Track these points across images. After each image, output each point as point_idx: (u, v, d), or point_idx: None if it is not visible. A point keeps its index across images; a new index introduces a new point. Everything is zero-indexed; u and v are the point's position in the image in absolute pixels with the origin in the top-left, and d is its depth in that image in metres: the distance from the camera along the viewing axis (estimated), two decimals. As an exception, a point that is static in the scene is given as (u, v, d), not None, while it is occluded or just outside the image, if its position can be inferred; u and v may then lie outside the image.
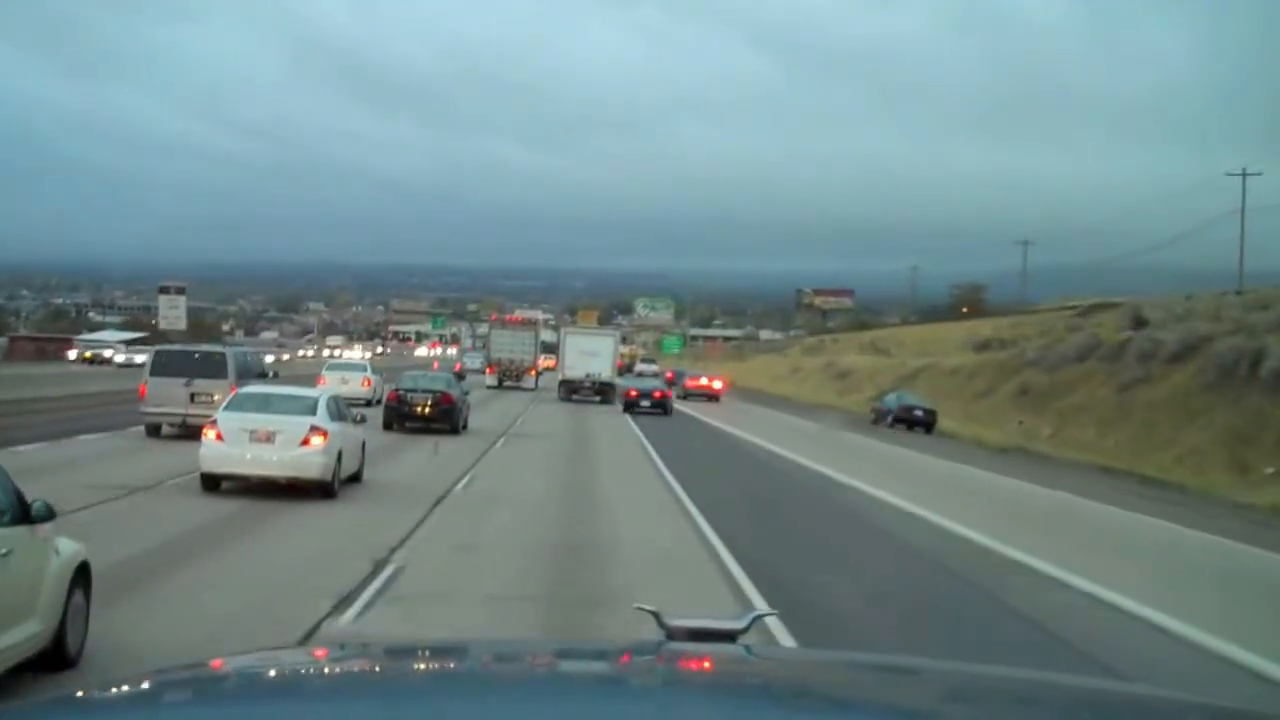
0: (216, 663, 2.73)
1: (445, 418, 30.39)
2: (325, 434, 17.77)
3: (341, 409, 19.65)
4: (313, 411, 18.22)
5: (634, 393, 49.28)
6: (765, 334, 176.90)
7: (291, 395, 19.24)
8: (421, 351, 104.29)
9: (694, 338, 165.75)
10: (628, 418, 42.17)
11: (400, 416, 30.64)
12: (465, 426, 32.00)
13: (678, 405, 50.84)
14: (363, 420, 20.67)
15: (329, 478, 17.82)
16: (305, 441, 17.61)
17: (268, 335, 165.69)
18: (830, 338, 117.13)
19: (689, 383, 69.01)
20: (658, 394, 49.10)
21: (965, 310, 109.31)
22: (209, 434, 17.74)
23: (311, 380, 45.81)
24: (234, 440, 17.57)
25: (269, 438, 17.63)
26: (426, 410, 30.30)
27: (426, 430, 30.03)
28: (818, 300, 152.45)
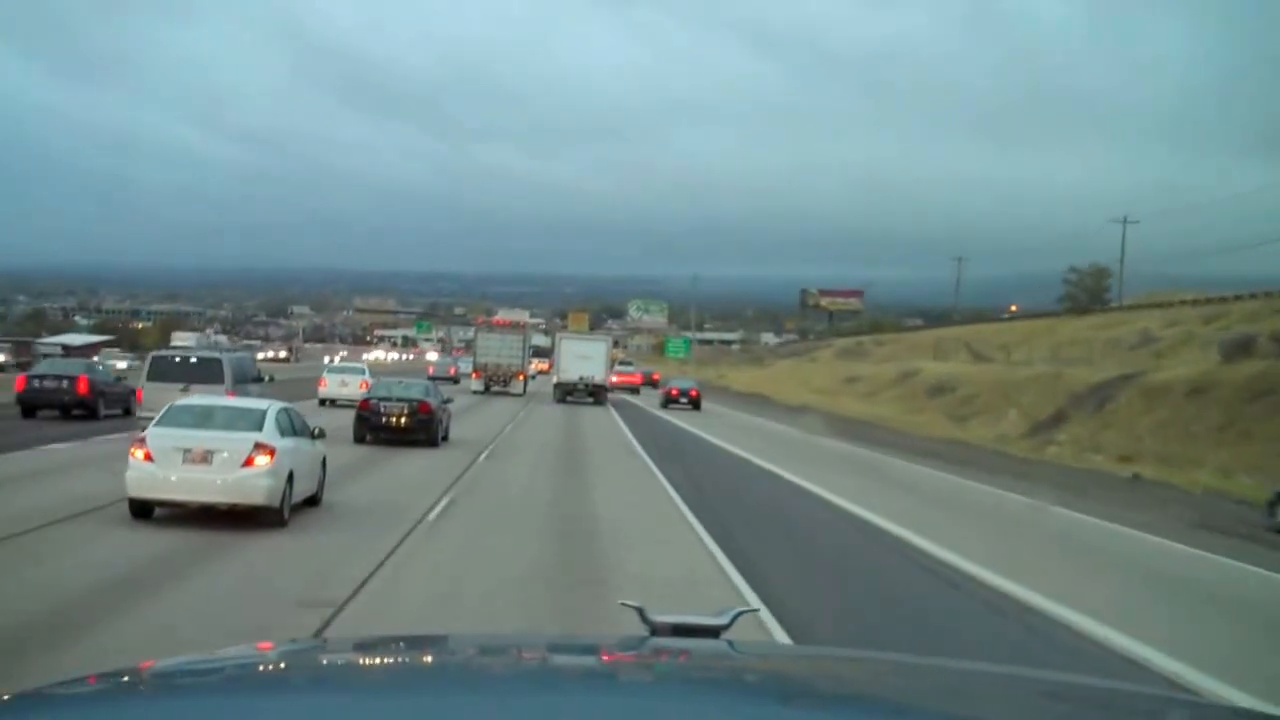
0: (172, 660, 2.59)
1: (422, 429, 27.72)
2: (272, 452, 15.30)
3: (296, 422, 17.16)
4: (258, 426, 15.73)
5: (675, 391, 60.29)
6: (767, 338, 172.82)
7: (235, 408, 16.72)
8: (370, 356, 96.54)
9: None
10: (632, 438, 35.47)
11: (372, 428, 27.88)
12: (446, 438, 29.44)
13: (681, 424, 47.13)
14: (321, 435, 18.14)
15: (277, 503, 15.34)
16: (249, 461, 15.14)
17: (218, 339, 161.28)
18: (872, 340, 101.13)
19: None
20: (694, 393, 59.90)
21: (1013, 309, 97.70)
22: (136, 453, 15.21)
23: (313, 383, 44.65)
24: (165, 461, 15.06)
25: (205, 457, 15.13)
26: (402, 421, 27.60)
27: (402, 443, 27.48)
28: (824, 301, 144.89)
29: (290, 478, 15.76)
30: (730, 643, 2.80)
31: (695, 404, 58.65)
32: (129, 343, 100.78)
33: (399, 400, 28.01)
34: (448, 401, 30.62)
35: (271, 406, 16.54)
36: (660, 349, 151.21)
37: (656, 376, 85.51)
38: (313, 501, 17.45)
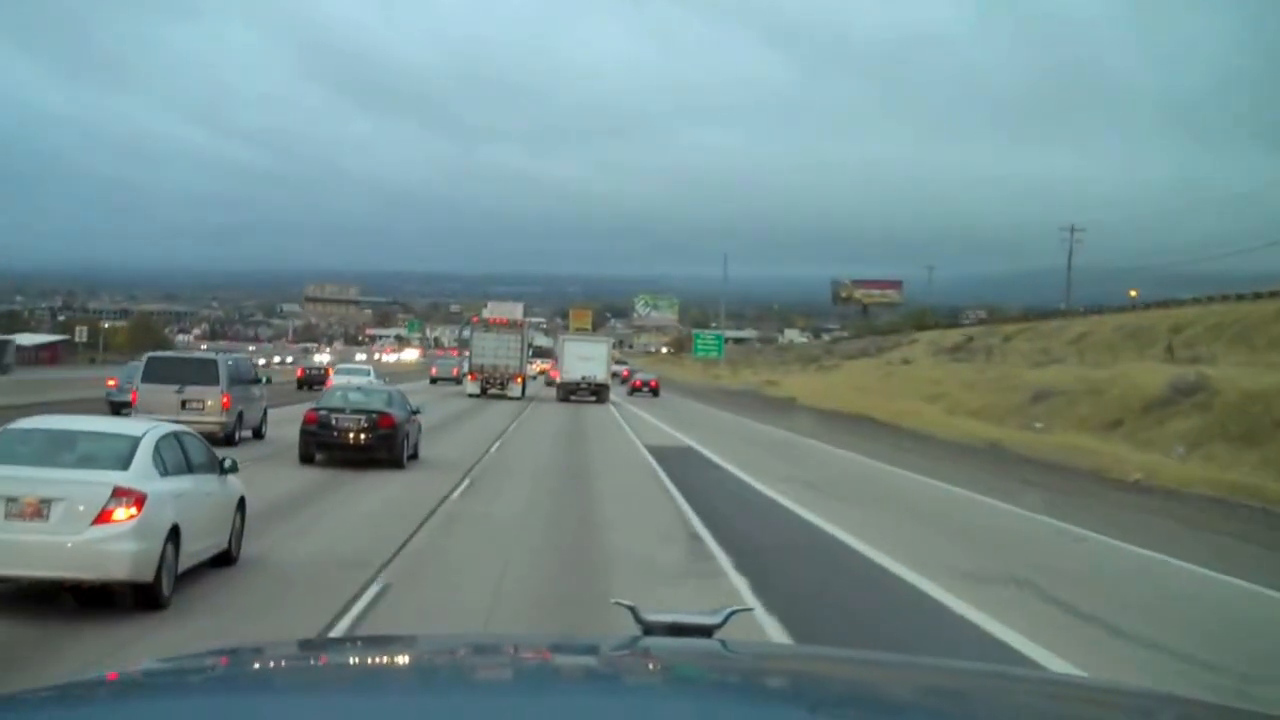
0: (167, 661, 2.63)
1: (384, 446, 22.59)
2: (140, 501, 10.47)
3: (192, 452, 12.27)
4: (122, 463, 10.88)
5: (639, 383, 71.91)
6: (791, 334, 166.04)
7: (98, 434, 11.80)
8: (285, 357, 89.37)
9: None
10: (660, 472, 25.12)
11: (322, 445, 22.83)
12: (415, 456, 24.49)
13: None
14: (233, 468, 13.16)
15: (149, 575, 10.51)
16: (104, 516, 10.33)
17: (182, 339, 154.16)
18: (990, 333, 77.39)
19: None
20: (654, 383, 71.86)
21: (1133, 293, 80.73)
22: (-63, 505, 10.38)
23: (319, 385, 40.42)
24: (-22, 516, 10.24)
25: (40, 510, 10.29)
26: (359, 437, 22.51)
27: (359, 464, 22.50)
28: (858, 293, 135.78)
29: (174, 535, 10.95)
30: (723, 642, 2.75)
31: (655, 392, 69.92)
32: (98, 344, 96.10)
33: (355, 412, 22.89)
34: (416, 412, 25.27)
35: (150, 432, 11.61)
36: (678, 347, 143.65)
37: (625, 373, 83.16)
38: (224, 560, 12.66)
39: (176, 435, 12.16)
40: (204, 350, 42.49)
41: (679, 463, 27.34)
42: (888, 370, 72.95)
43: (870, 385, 64.12)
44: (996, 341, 70.74)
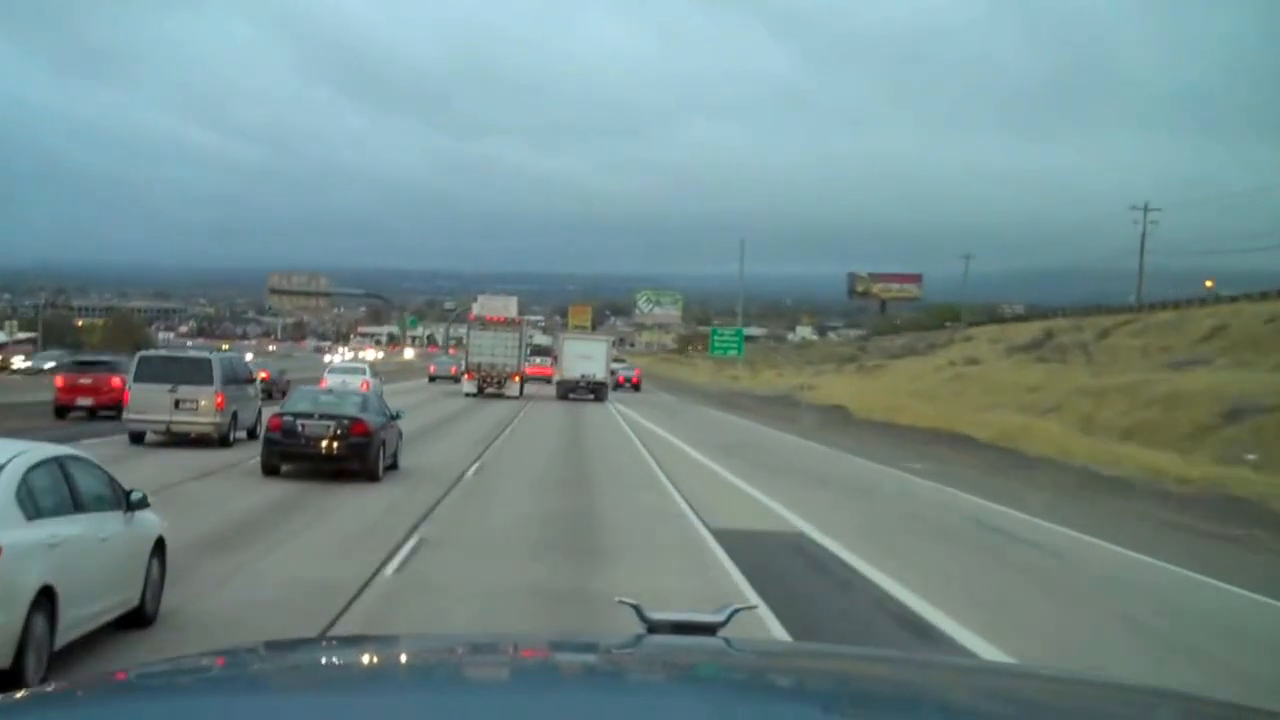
0: (196, 657, 2.67)
1: (356, 456, 19.95)
2: (-9, 557, 7.63)
3: (81, 485, 9.34)
4: (-27, 503, 8.03)
5: (621, 379, 71.90)
6: (804, 331, 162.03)
7: None
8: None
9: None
10: (684, 505, 19.11)
11: (287, 455, 20.27)
12: (394, 465, 21.80)
13: None
14: (142, 503, 10.23)
15: (5, 660, 7.70)
16: (-63, 578, 7.50)
17: (165, 337, 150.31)
18: (1076, 325, 65.68)
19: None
20: (635, 379, 75.01)
21: (1209, 284, 73.33)
22: None
23: (315, 383, 38.37)
24: None
25: None
26: (329, 446, 19.87)
27: (329, 475, 19.78)
28: (876, 288, 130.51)
29: (46, 600, 8.12)
30: (727, 640, 2.72)
31: (636, 387, 72.96)
32: (71, 341, 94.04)
33: (324, 418, 20.22)
34: (395, 416, 22.46)
35: (15, 460, 8.59)
36: (686, 345, 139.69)
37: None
38: (135, 619, 9.84)
39: (60, 462, 9.23)
40: (225, 350, 41.03)
41: (830, 625, 11.61)
42: (952, 372, 60.57)
43: (934, 390, 52.22)
44: (1088, 337, 59.73)
